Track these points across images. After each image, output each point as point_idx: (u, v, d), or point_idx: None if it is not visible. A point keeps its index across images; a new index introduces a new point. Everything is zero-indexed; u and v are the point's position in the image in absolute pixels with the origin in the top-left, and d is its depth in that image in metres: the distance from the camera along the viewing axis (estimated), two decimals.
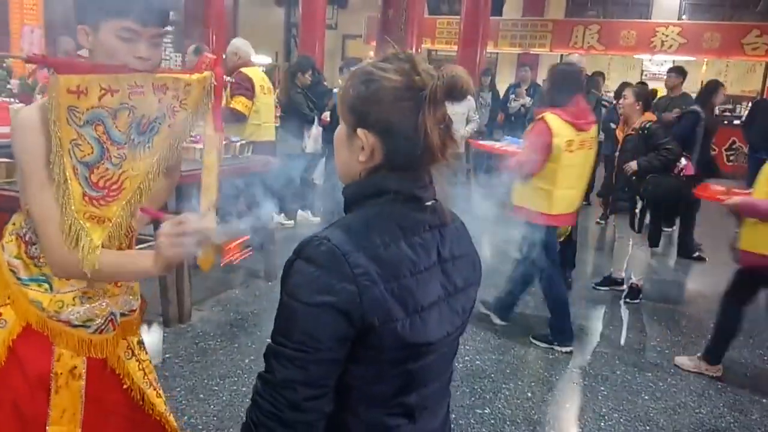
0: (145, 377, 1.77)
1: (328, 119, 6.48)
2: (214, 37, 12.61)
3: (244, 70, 5.38)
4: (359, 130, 1.12)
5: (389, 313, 1.07)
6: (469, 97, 1.22)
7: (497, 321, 4.37)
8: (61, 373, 1.59)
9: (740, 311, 3.70)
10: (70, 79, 1.37)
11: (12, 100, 5.13)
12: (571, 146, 3.74)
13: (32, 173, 1.42)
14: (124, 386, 1.72)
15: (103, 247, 1.48)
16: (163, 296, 3.88)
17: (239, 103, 5.24)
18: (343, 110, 1.16)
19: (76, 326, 1.59)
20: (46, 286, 1.56)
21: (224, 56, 5.59)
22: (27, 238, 1.55)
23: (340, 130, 1.19)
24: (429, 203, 1.17)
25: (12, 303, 1.56)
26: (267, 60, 14.99)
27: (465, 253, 1.26)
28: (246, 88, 5.29)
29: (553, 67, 4.05)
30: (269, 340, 1.09)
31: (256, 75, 5.44)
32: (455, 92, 1.10)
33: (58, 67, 1.38)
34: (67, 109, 1.38)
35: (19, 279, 1.56)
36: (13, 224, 1.59)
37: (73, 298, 1.57)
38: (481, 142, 7.27)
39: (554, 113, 3.75)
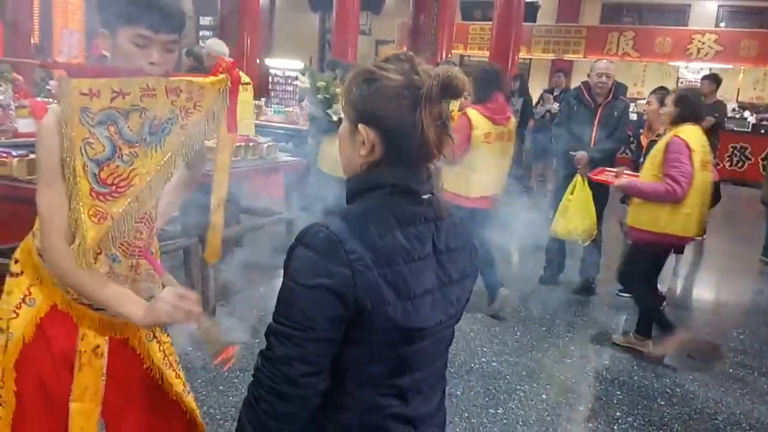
0: (165, 358, 1.86)
1: None
2: (249, 41, 12.86)
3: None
4: (360, 126, 1.20)
5: (382, 297, 1.14)
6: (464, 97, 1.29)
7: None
8: (85, 352, 1.69)
9: (650, 287, 4.13)
10: (81, 82, 1.47)
11: (51, 100, 5.32)
12: (489, 138, 4.20)
13: (42, 172, 1.53)
14: (144, 366, 1.81)
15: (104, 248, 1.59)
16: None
17: None
18: (347, 107, 1.24)
19: (97, 309, 1.69)
20: None
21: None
22: None
23: (344, 126, 1.27)
24: (425, 197, 1.24)
25: (40, 283, 1.67)
26: (299, 65, 15.18)
27: (461, 246, 1.32)
28: None
29: (476, 68, 4.49)
30: (271, 321, 1.18)
31: None
32: (450, 90, 1.17)
33: (70, 71, 1.48)
34: (79, 110, 1.47)
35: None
36: None
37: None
38: None
39: (475, 109, 4.19)
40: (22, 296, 1.67)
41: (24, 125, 4.52)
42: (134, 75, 1.52)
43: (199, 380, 3.31)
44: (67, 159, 1.49)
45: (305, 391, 1.15)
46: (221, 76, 1.68)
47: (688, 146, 3.70)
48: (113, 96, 1.50)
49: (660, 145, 3.85)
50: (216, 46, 5.68)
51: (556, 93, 9.58)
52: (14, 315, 1.66)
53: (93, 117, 1.49)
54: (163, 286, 1.67)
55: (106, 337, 1.72)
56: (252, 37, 13.04)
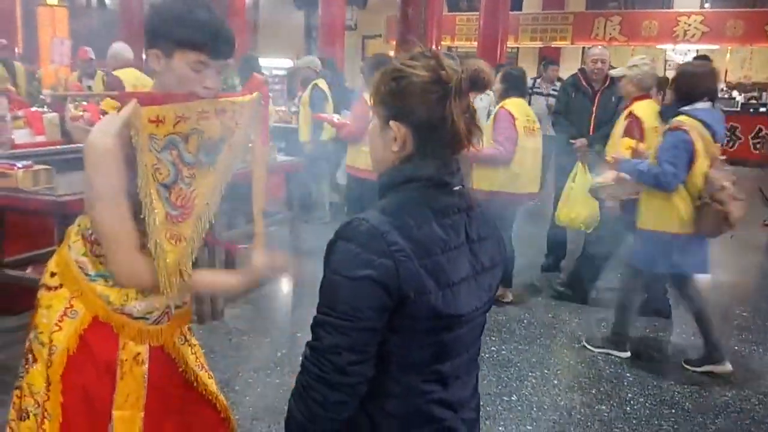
0: (197, 360, 1.90)
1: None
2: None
3: (115, 72, 5.69)
4: (392, 123, 1.24)
5: (423, 286, 1.18)
6: (489, 91, 1.33)
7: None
8: (126, 360, 1.71)
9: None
10: (151, 110, 1.51)
11: (45, 109, 5.30)
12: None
13: (102, 193, 1.54)
14: (180, 369, 1.84)
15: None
16: (196, 295, 4.01)
17: (107, 104, 5.53)
18: (376, 105, 1.28)
19: (136, 318, 1.71)
20: (113, 280, 1.67)
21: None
22: (92, 239, 1.67)
23: (374, 124, 1.30)
24: (457, 188, 1.28)
25: (81, 296, 1.68)
26: (287, 63, 15.15)
27: (490, 235, 1.36)
28: (112, 88, 5.63)
29: (368, 59, 4.79)
30: (316, 314, 1.21)
31: (128, 75, 5.77)
32: (478, 83, 1.22)
33: (142, 99, 1.51)
34: (148, 137, 1.51)
35: (87, 275, 1.68)
36: (78, 225, 1.71)
37: (137, 292, 1.68)
38: None
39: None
40: (63, 309, 1.68)
41: (20, 136, 4.51)
42: (192, 99, 1.57)
43: (216, 381, 3.32)
44: (143, 185, 1.53)
45: (354, 379, 1.18)
46: (255, 94, 1.75)
47: (511, 115, 4.23)
48: (176, 121, 1.55)
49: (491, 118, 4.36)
50: (121, 50, 5.82)
51: (553, 89, 7.58)
52: (57, 328, 1.67)
53: (159, 143, 1.53)
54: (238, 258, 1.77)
55: (146, 345, 1.74)
56: (238, 36, 12.99)
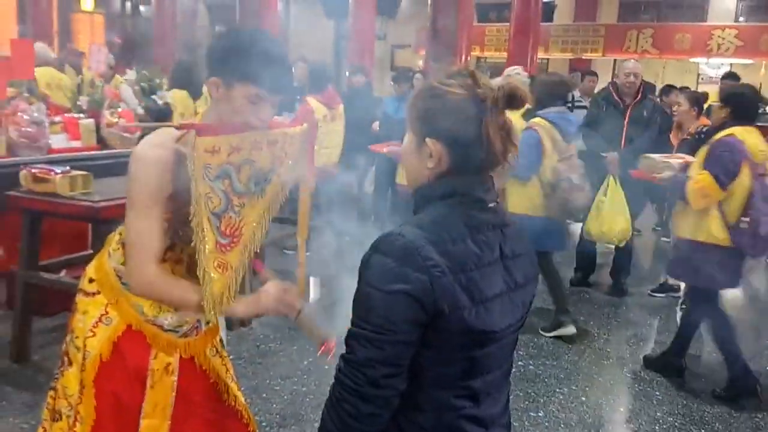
0: (228, 372, 1.92)
1: (377, 127, 6.54)
2: None
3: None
4: (428, 140, 1.25)
5: (457, 301, 1.18)
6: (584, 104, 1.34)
7: None
8: (157, 370, 1.74)
9: None
10: (206, 140, 1.55)
11: (82, 115, 5.40)
12: (326, 119, 5.00)
13: (137, 202, 1.58)
14: (211, 380, 1.87)
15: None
16: None
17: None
18: (412, 122, 1.30)
19: (166, 330, 1.75)
20: None
21: None
22: None
23: (408, 140, 1.32)
24: (492, 204, 1.29)
25: (116, 303, 1.72)
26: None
27: (524, 252, 1.36)
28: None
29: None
30: (350, 326, 1.22)
31: (44, 74, 6.03)
32: (515, 101, 1.24)
33: (200, 131, 1.56)
34: (203, 166, 1.55)
35: (123, 284, 1.72)
36: (120, 234, 1.75)
37: (170, 306, 1.72)
38: None
39: (314, 97, 4.98)
40: (99, 315, 1.72)
41: (57, 141, 4.60)
42: (247, 130, 1.61)
43: (243, 388, 3.30)
44: (194, 213, 1.57)
45: (387, 392, 1.19)
46: (305, 125, 1.80)
47: None
48: (230, 152, 1.59)
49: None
50: (40, 50, 6.04)
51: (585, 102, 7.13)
52: (91, 334, 1.71)
53: (212, 172, 1.57)
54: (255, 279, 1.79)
55: (177, 355, 1.77)
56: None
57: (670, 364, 3.82)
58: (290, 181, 1.79)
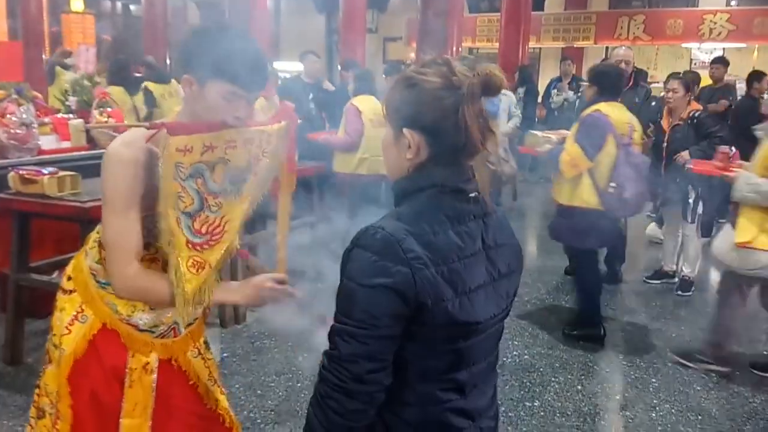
0: (210, 375, 1.91)
1: None
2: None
3: None
4: (405, 130, 1.23)
5: (440, 293, 1.17)
6: (509, 92, 1.33)
7: None
8: (135, 369, 1.73)
9: None
10: (179, 140, 1.52)
11: (71, 116, 5.38)
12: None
13: (110, 201, 1.57)
14: (191, 382, 1.85)
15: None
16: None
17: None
18: (389, 113, 1.28)
19: (142, 330, 1.74)
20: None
21: None
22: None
23: (387, 132, 1.30)
24: (472, 195, 1.27)
25: (91, 301, 1.71)
26: (299, 66, 15.12)
27: (507, 241, 1.35)
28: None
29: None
30: (333, 322, 1.21)
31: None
32: (491, 88, 1.22)
33: (171, 129, 1.53)
34: (174, 165, 1.53)
35: (98, 282, 1.71)
36: (97, 233, 1.74)
37: (144, 305, 1.70)
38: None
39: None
40: (74, 313, 1.72)
41: (47, 142, 4.58)
42: (221, 128, 1.58)
43: (237, 385, 3.35)
44: (162, 213, 1.55)
45: (371, 388, 1.18)
46: (283, 122, 1.76)
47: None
48: (204, 150, 1.57)
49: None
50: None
51: (567, 81, 9.39)
52: (67, 331, 1.71)
53: (184, 171, 1.55)
54: (248, 268, 1.78)
55: (156, 354, 1.76)
56: (260, 41, 13.06)
57: (588, 336, 4.06)
58: (270, 179, 1.77)
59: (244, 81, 1.54)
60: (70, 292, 1.75)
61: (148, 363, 1.74)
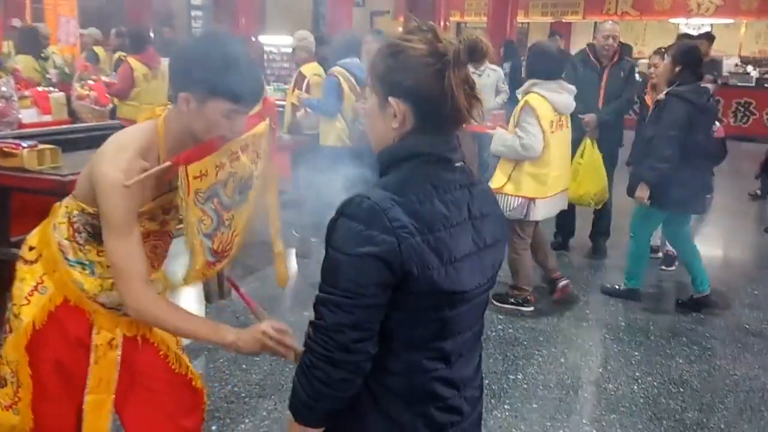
0: (178, 343, 1.92)
1: None
2: (243, 20, 12.73)
3: None
4: (391, 99, 1.21)
5: (426, 261, 1.16)
6: (497, 67, 1.30)
7: None
8: (101, 345, 1.73)
9: None
10: (194, 168, 1.54)
11: (51, 89, 5.28)
12: (155, 77, 5.56)
13: (114, 226, 1.53)
14: (161, 353, 1.85)
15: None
16: (204, 278, 4.01)
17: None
18: (374, 82, 1.25)
19: (108, 308, 1.73)
20: (89, 270, 1.70)
21: None
22: (76, 227, 1.67)
23: (371, 102, 1.27)
24: (458, 164, 1.26)
25: (54, 274, 1.70)
26: (287, 40, 14.91)
27: (492, 212, 1.34)
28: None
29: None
30: (317, 293, 1.20)
31: None
32: (477, 54, 1.19)
33: (186, 159, 1.53)
34: (194, 193, 1.55)
35: (66, 259, 1.69)
36: (66, 207, 1.70)
37: (111, 284, 1.68)
38: None
39: (135, 57, 5.53)
40: (34, 284, 1.71)
41: (27, 116, 4.50)
42: (223, 145, 1.61)
43: (222, 359, 3.35)
44: (187, 239, 1.61)
45: (357, 357, 1.18)
46: (267, 120, 1.79)
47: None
48: (216, 170, 1.60)
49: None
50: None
51: None
52: (26, 302, 1.71)
53: (203, 195, 1.59)
54: (253, 314, 1.84)
55: (120, 330, 1.76)
56: (247, 15, 12.92)
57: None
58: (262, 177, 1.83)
59: (246, 99, 1.54)
60: (32, 262, 1.74)
61: (113, 338, 1.74)
